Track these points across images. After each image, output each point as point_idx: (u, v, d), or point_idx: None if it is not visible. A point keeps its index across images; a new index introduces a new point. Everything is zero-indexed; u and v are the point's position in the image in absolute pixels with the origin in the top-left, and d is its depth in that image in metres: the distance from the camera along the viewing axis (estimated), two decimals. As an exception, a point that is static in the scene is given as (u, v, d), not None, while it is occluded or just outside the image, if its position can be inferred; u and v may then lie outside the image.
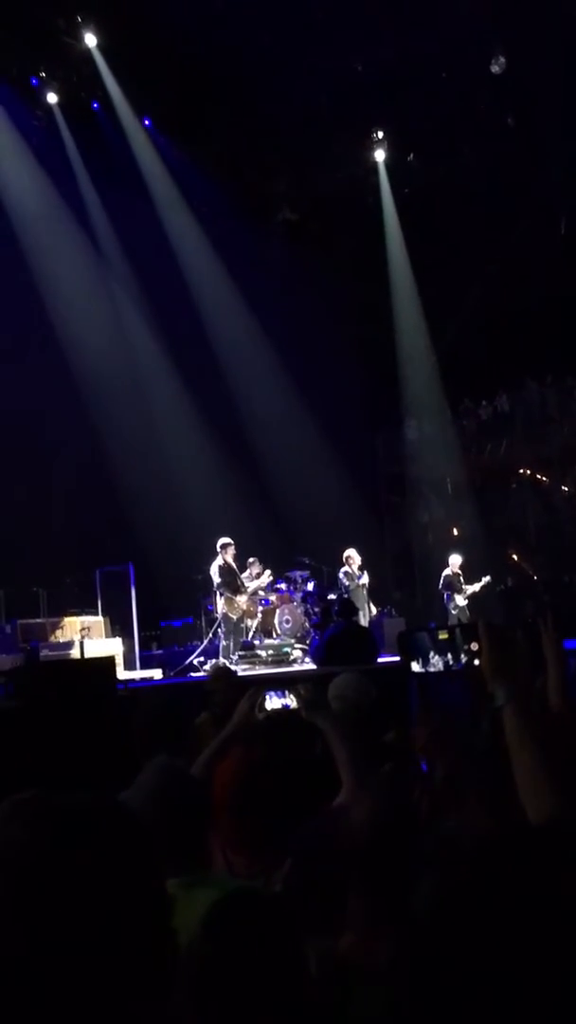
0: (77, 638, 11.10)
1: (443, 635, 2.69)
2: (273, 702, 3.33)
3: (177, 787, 2.31)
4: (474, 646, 2.10)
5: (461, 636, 2.50)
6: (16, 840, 1.00)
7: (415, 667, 2.84)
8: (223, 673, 5.79)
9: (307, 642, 11.58)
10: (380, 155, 16.60)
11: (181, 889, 2.09)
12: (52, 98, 14.14)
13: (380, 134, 16.32)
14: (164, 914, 1.07)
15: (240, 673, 7.50)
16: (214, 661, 11.14)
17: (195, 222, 15.79)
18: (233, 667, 9.85)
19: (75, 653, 10.64)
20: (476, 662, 2.02)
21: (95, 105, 14.53)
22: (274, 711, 3.52)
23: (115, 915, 0.99)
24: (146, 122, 15.02)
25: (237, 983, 1.44)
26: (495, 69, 14.12)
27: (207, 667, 11.12)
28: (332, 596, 12.07)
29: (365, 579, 12.44)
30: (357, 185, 16.85)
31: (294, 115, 14.52)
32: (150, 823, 2.20)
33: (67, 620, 11.66)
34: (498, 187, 15.87)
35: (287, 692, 3.22)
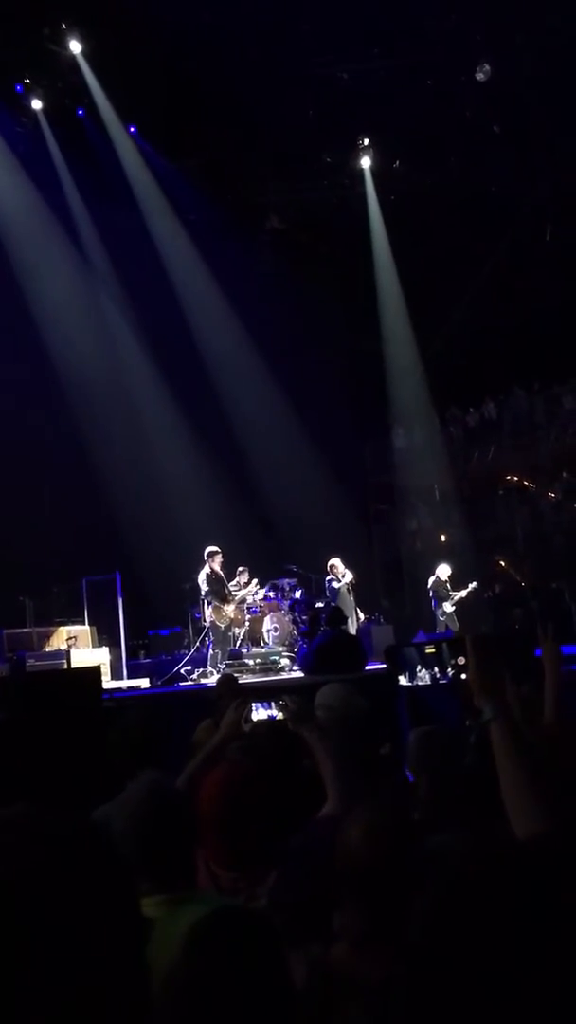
0: (64, 647, 11.04)
1: (430, 649, 2.67)
2: (259, 713, 3.30)
3: (162, 804, 2.28)
4: (461, 660, 2.08)
5: (448, 650, 2.47)
6: None
7: (403, 680, 2.82)
8: (228, 680, 5.77)
9: (295, 650, 11.55)
10: (366, 162, 16.64)
11: (166, 906, 2.06)
12: (37, 105, 14.12)
13: (366, 141, 16.35)
14: (137, 942, 1.04)
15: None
16: (202, 670, 11.10)
17: (182, 230, 15.78)
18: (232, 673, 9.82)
19: (63, 663, 10.58)
20: (463, 676, 2.00)
21: (80, 112, 14.50)
22: (260, 722, 3.48)
23: (87, 944, 0.97)
24: (132, 130, 15.00)
25: (219, 1003, 1.41)
26: (480, 77, 14.17)
27: (194, 676, 11.09)
28: (320, 604, 12.04)
29: (350, 577, 12.40)
30: (344, 193, 16.88)
31: (280, 123, 14.54)
32: (134, 840, 2.18)
33: (55, 630, 11.60)
34: (484, 195, 15.93)
35: (272, 703, 3.19)
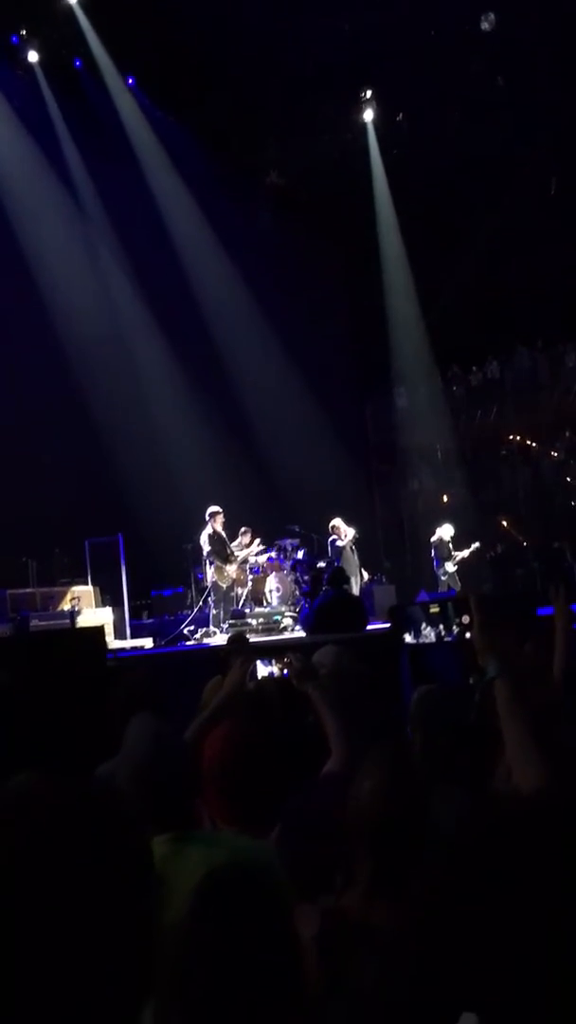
0: (69, 608, 11.08)
1: (434, 608, 2.67)
2: (262, 670, 3.31)
3: (166, 751, 2.30)
4: (465, 619, 2.09)
5: (452, 609, 2.47)
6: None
7: (407, 639, 2.82)
8: (239, 638, 5.79)
9: (297, 610, 11.59)
10: (369, 116, 16.35)
11: (173, 844, 2.08)
12: (33, 56, 13.85)
13: (368, 94, 16.05)
14: (148, 903, 1.05)
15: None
16: (204, 630, 11.15)
17: (181, 185, 15.55)
18: (224, 636, 9.87)
19: (68, 623, 10.63)
20: (467, 635, 2.01)
21: (77, 63, 14.23)
22: (265, 679, 3.50)
23: (98, 907, 0.99)
24: (130, 81, 14.73)
25: (227, 957, 1.43)
26: (485, 27, 13.87)
27: (197, 636, 11.14)
28: (322, 564, 12.06)
29: (353, 534, 12.41)
30: (345, 148, 16.61)
31: (281, 76, 14.27)
32: (137, 784, 2.20)
33: (59, 590, 11.65)
34: (489, 148, 15.66)
35: (275, 661, 3.20)
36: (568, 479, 17.30)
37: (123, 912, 1.01)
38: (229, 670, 4.83)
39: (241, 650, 5.02)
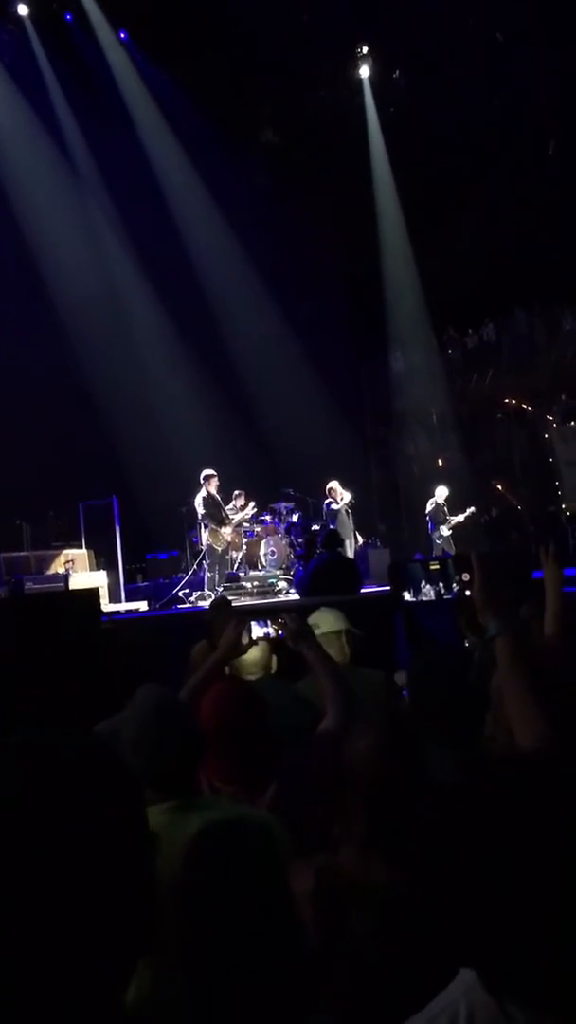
0: (63, 571, 11.09)
1: (434, 565, 2.65)
2: (257, 631, 3.30)
3: (168, 715, 2.30)
4: (465, 576, 2.07)
5: (453, 566, 2.45)
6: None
7: (407, 596, 2.80)
8: (222, 602, 5.79)
9: (291, 573, 11.60)
10: (365, 72, 16.07)
11: (177, 812, 2.08)
12: (23, 10, 13.57)
13: (365, 49, 15.77)
14: (148, 856, 1.06)
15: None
16: (199, 593, 11.16)
17: (175, 142, 15.33)
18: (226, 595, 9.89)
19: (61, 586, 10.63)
20: (467, 592, 1.99)
21: (68, 17, 13.94)
22: (260, 640, 3.49)
23: (98, 858, 0.99)
24: (122, 35, 14.44)
25: (221, 910, 1.43)
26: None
27: (192, 599, 11.16)
28: (316, 527, 12.05)
29: (348, 498, 12.40)
30: (342, 105, 16.34)
31: (276, 30, 13.98)
32: (141, 750, 2.19)
33: (53, 553, 11.64)
34: (487, 106, 15.42)
35: (270, 622, 3.19)
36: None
37: (121, 865, 1.01)
38: (214, 634, 4.84)
39: (223, 614, 5.03)
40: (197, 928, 1.41)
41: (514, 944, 1.08)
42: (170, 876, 1.47)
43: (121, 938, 1.00)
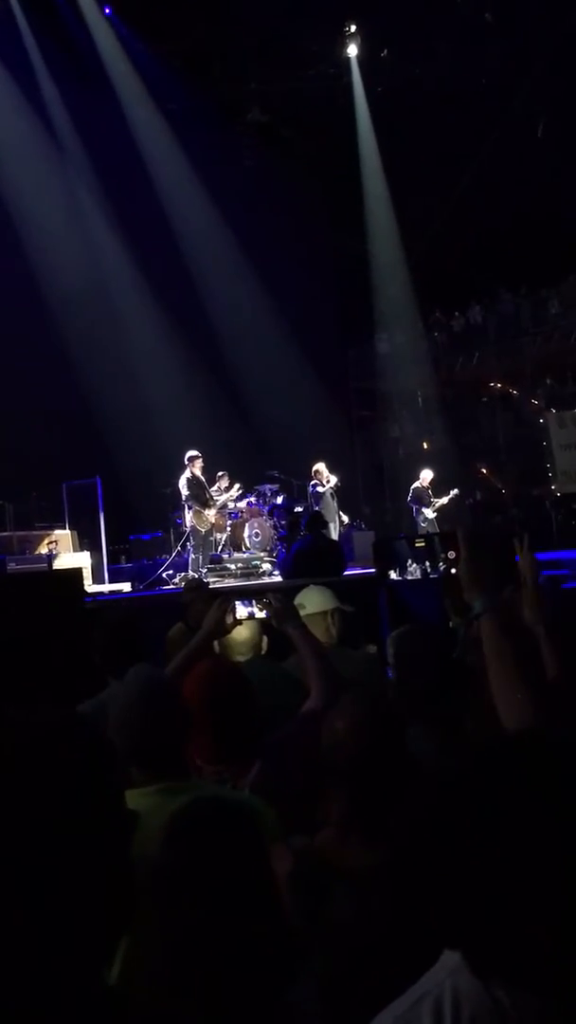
0: (46, 552, 11.04)
1: (420, 543, 2.64)
2: (241, 611, 3.29)
3: (157, 695, 2.28)
4: (451, 554, 2.06)
5: (440, 544, 2.44)
6: None
7: (392, 575, 2.79)
8: (197, 584, 5.77)
9: (274, 555, 11.59)
10: (353, 51, 15.95)
11: (165, 794, 2.07)
12: (7, -17, 13.36)
13: (353, 28, 15.64)
14: (125, 834, 1.05)
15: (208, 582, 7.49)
16: (183, 574, 11.14)
17: (162, 120, 15.18)
18: (201, 576, 9.87)
19: (45, 567, 10.59)
20: (453, 571, 1.98)
21: (53, -9, 13.76)
22: (245, 620, 3.48)
23: (73, 836, 0.99)
24: (107, 11, 14.24)
25: (199, 889, 1.43)
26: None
27: (176, 580, 11.13)
28: (299, 509, 12.03)
29: (334, 481, 12.38)
30: (329, 84, 16.22)
31: (263, 8, 13.83)
32: (129, 731, 2.18)
33: (36, 534, 11.59)
34: (475, 87, 15.35)
35: (254, 601, 3.17)
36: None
37: (97, 843, 1.00)
38: (190, 616, 4.83)
39: (200, 596, 5.01)
40: (172, 907, 1.40)
41: (499, 925, 1.07)
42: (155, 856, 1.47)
43: (98, 916, 0.99)
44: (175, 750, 2.27)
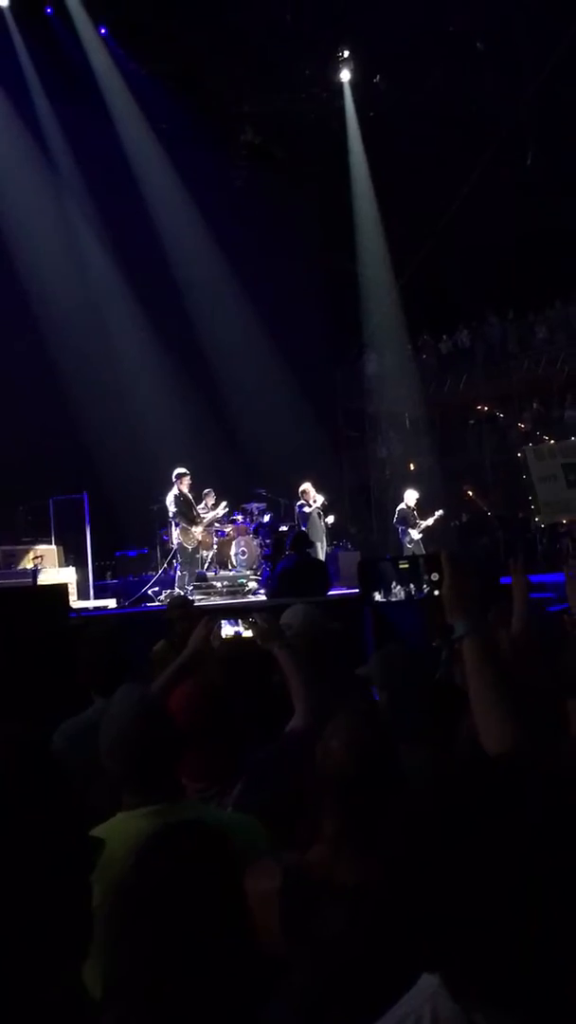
0: (31, 567, 10.98)
1: (404, 565, 2.66)
2: (226, 630, 3.30)
3: (149, 717, 2.28)
4: (435, 576, 2.08)
5: (423, 566, 2.46)
6: None
7: (377, 596, 2.81)
8: (181, 602, 5.76)
9: (260, 573, 11.59)
10: (346, 76, 16.12)
11: (157, 817, 2.07)
12: (3, 1, 13.44)
13: (346, 53, 15.81)
14: (85, 861, 1.05)
15: (193, 600, 7.48)
16: (169, 591, 11.11)
17: (154, 139, 15.26)
18: (186, 594, 9.85)
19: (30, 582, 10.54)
20: (436, 592, 2.00)
21: (49, 10, 13.84)
22: (230, 639, 3.49)
23: (30, 862, 1.01)
24: (102, 31, 14.36)
25: (166, 910, 1.43)
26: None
27: (162, 597, 11.10)
28: (284, 528, 12.04)
29: (321, 501, 12.36)
30: (322, 107, 16.38)
31: (258, 30, 13.98)
32: (123, 754, 2.18)
33: (21, 549, 11.53)
34: (465, 115, 15.53)
35: (239, 621, 3.19)
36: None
37: (55, 869, 1.00)
38: (173, 634, 4.83)
39: (184, 614, 5.01)
40: (138, 931, 1.42)
41: (480, 950, 1.08)
42: None
43: (55, 941, 0.99)
44: (168, 772, 2.27)
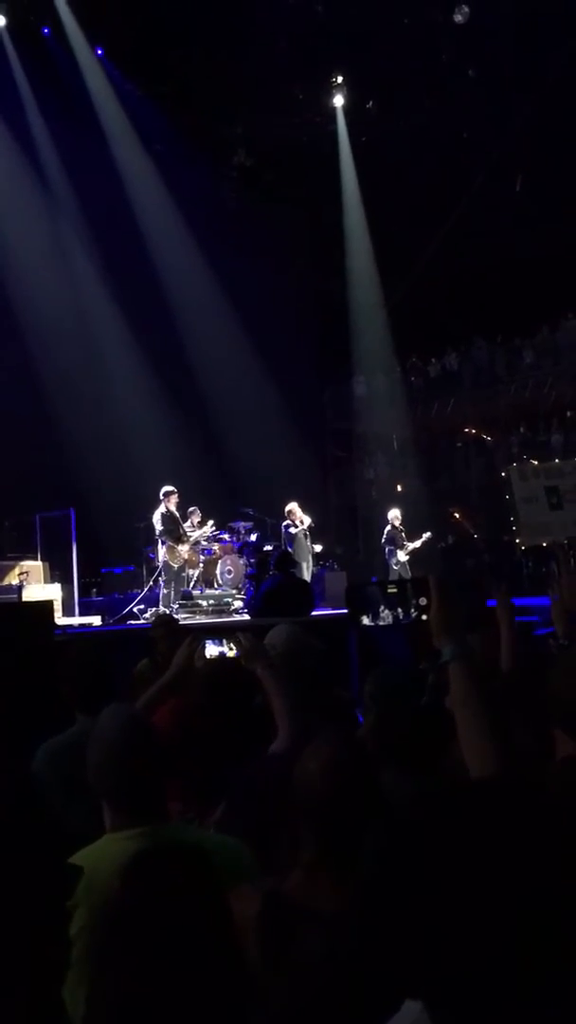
0: (16, 583, 10.92)
1: (392, 588, 2.66)
2: (211, 649, 3.29)
3: (138, 739, 2.26)
4: (423, 600, 2.08)
5: (411, 590, 2.46)
6: None
7: (365, 620, 2.81)
8: (166, 621, 5.74)
9: (244, 592, 11.57)
10: (339, 101, 16.29)
11: (144, 839, 2.06)
12: (0, 21, 13.52)
13: (340, 79, 15.99)
14: (63, 890, 1.04)
15: (178, 619, 7.45)
16: (154, 609, 11.07)
17: (147, 159, 15.36)
18: (171, 613, 9.82)
19: (14, 598, 10.48)
20: (424, 617, 2.00)
21: (45, 31, 13.94)
22: (213, 659, 3.47)
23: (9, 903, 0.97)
24: (98, 52, 14.47)
25: (152, 933, 1.42)
26: (459, 19, 13.89)
27: (147, 615, 11.06)
28: (268, 547, 12.03)
29: (308, 522, 12.35)
30: (315, 131, 16.53)
31: (252, 54, 14.12)
32: (110, 775, 2.16)
33: (8, 565, 11.47)
34: (457, 141, 15.71)
35: (224, 640, 3.18)
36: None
37: (32, 900, 0.99)
38: (156, 652, 4.80)
39: (168, 633, 4.99)
40: (122, 950, 1.40)
41: (464, 978, 1.07)
42: None
43: (32, 967, 0.98)
44: (155, 794, 2.25)
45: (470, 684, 1.82)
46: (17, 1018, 1.01)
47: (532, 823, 1.15)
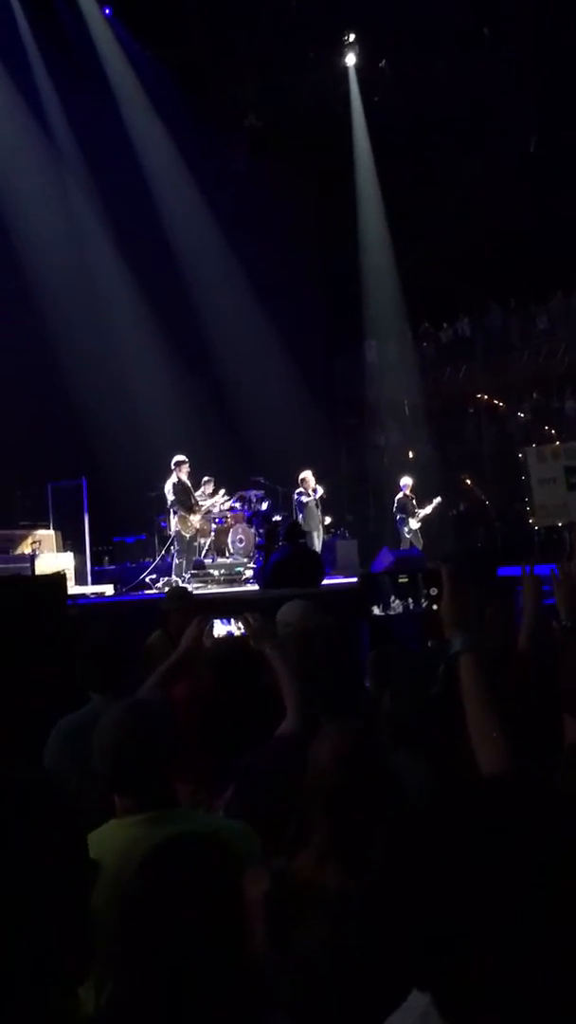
0: (29, 552, 10.99)
1: (404, 579, 2.66)
2: (219, 629, 3.30)
3: (144, 725, 2.28)
4: (434, 591, 2.08)
5: (422, 580, 2.45)
6: None
7: (376, 611, 2.80)
8: (180, 594, 5.75)
9: (254, 562, 11.59)
10: (351, 60, 15.99)
11: (151, 825, 2.08)
12: (7, -20, 13.31)
13: (351, 38, 15.68)
14: (84, 888, 1.06)
15: (192, 591, 7.48)
16: (166, 579, 11.12)
17: (157, 121, 15.15)
18: (185, 585, 9.86)
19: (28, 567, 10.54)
20: (435, 607, 2.00)
21: (53, -9, 13.72)
22: (221, 639, 3.48)
23: (33, 892, 1.03)
24: (106, 11, 14.23)
25: (170, 923, 1.43)
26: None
27: (159, 584, 11.11)
28: (278, 518, 12.02)
29: (320, 492, 12.34)
30: (326, 92, 16.24)
31: (263, 14, 13.85)
32: (116, 761, 2.18)
33: (19, 533, 11.53)
34: (470, 100, 15.40)
35: (233, 620, 3.18)
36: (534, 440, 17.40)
37: (56, 898, 1.00)
38: (169, 624, 4.82)
39: (181, 605, 5.00)
40: (139, 940, 1.42)
41: (472, 971, 1.07)
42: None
43: (56, 966, 1.00)
44: (161, 780, 2.27)
45: (480, 675, 1.82)
46: (36, 1015, 1.02)
47: (541, 817, 1.15)
